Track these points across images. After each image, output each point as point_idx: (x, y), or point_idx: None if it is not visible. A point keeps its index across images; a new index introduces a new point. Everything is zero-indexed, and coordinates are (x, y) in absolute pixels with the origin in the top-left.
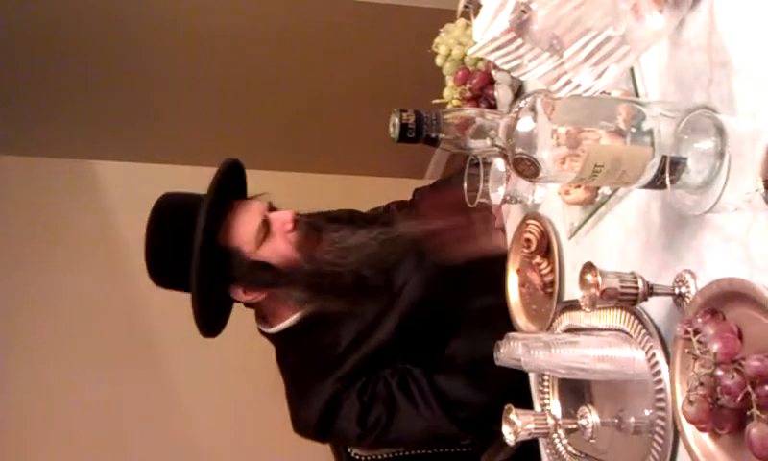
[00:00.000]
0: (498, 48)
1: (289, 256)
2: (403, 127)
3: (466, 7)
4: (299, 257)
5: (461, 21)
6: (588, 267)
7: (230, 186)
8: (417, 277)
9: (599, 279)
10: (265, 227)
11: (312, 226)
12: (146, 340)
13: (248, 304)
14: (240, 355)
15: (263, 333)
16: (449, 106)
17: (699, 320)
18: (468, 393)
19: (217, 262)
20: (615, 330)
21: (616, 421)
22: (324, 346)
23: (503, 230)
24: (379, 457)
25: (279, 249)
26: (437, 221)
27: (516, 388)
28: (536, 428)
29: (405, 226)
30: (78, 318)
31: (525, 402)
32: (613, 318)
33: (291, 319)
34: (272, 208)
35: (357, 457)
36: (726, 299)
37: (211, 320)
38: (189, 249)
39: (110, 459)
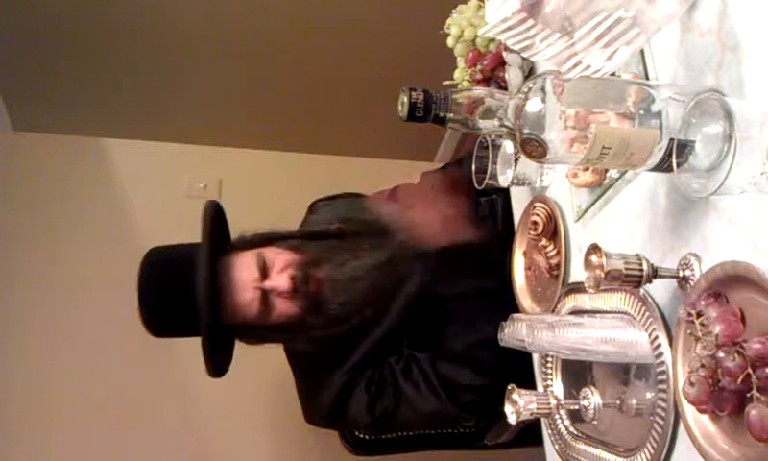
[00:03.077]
0: (509, 28)
1: (292, 314)
2: (412, 105)
3: None
4: (304, 312)
5: (473, 2)
6: (593, 248)
7: (220, 234)
8: (416, 268)
9: (604, 260)
10: (264, 298)
11: (308, 272)
12: None
13: None
14: (250, 348)
15: None
16: (460, 87)
17: (702, 302)
18: (468, 377)
19: (223, 332)
20: (620, 313)
21: (618, 402)
22: (332, 337)
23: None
24: (382, 438)
25: (282, 311)
26: (417, 209)
27: (517, 369)
28: (538, 408)
29: (400, 224)
30: (84, 295)
31: (527, 384)
32: (618, 300)
33: None
34: (256, 245)
35: (361, 436)
36: (730, 282)
37: (224, 362)
38: (194, 316)
39: (117, 452)
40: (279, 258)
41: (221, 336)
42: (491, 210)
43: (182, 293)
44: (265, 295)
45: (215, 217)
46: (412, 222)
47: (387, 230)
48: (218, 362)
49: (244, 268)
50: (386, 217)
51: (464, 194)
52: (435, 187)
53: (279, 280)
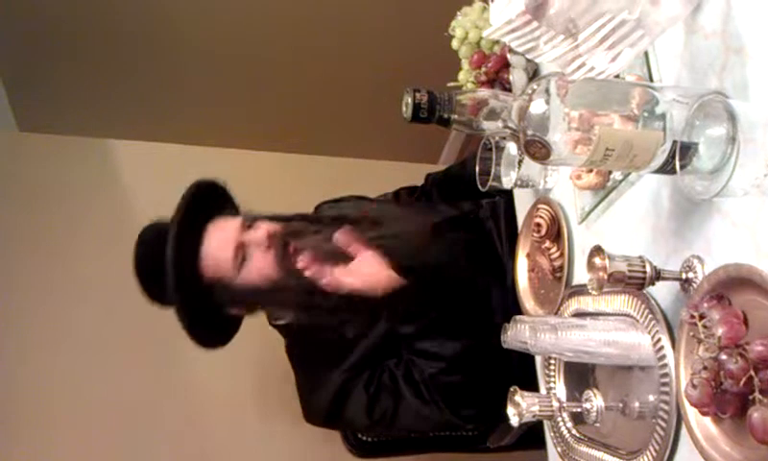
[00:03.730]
0: (514, 30)
1: (270, 274)
2: (416, 106)
3: None
4: (280, 274)
5: (478, 4)
6: (597, 250)
7: (202, 207)
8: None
9: (607, 262)
10: (240, 250)
11: (290, 236)
12: (160, 320)
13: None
14: (252, 347)
15: (273, 325)
16: (464, 89)
17: (705, 305)
18: (467, 389)
19: (199, 293)
20: (623, 315)
21: (621, 405)
22: (331, 337)
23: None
24: (384, 440)
25: (259, 269)
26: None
27: (520, 373)
28: (540, 410)
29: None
30: (87, 295)
31: (530, 386)
32: (621, 303)
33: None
34: (250, 220)
35: (363, 438)
36: (732, 284)
37: (211, 335)
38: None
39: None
40: (265, 224)
41: (199, 299)
42: (493, 212)
43: (160, 257)
44: (243, 248)
45: (202, 188)
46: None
47: (381, 223)
48: (202, 329)
49: (226, 225)
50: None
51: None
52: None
53: (258, 233)
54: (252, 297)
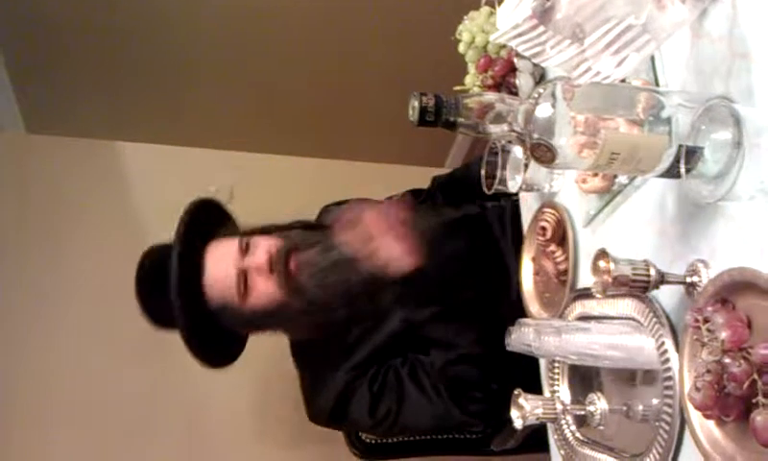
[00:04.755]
0: (520, 35)
1: (275, 296)
2: (422, 110)
3: None
4: (284, 295)
5: (485, 9)
6: (601, 254)
7: (200, 230)
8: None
9: (611, 265)
10: (242, 277)
11: (290, 251)
12: None
13: None
14: (257, 348)
15: None
16: (471, 92)
17: (709, 308)
18: (475, 382)
19: (205, 319)
20: (627, 319)
21: (624, 408)
22: (336, 337)
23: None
24: (389, 441)
25: (263, 292)
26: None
27: (525, 376)
28: (544, 413)
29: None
30: (93, 298)
31: (535, 391)
32: (625, 306)
33: None
34: (246, 241)
35: (367, 440)
36: (737, 288)
37: (218, 356)
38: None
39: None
40: (262, 242)
41: (203, 325)
42: (498, 216)
43: (162, 283)
44: (245, 275)
45: (198, 209)
46: (371, 252)
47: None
48: (207, 352)
49: (225, 251)
50: (347, 249)
51: (425, 212)
52: (391, 212)
53: (257, 257)
54: (260, 320)
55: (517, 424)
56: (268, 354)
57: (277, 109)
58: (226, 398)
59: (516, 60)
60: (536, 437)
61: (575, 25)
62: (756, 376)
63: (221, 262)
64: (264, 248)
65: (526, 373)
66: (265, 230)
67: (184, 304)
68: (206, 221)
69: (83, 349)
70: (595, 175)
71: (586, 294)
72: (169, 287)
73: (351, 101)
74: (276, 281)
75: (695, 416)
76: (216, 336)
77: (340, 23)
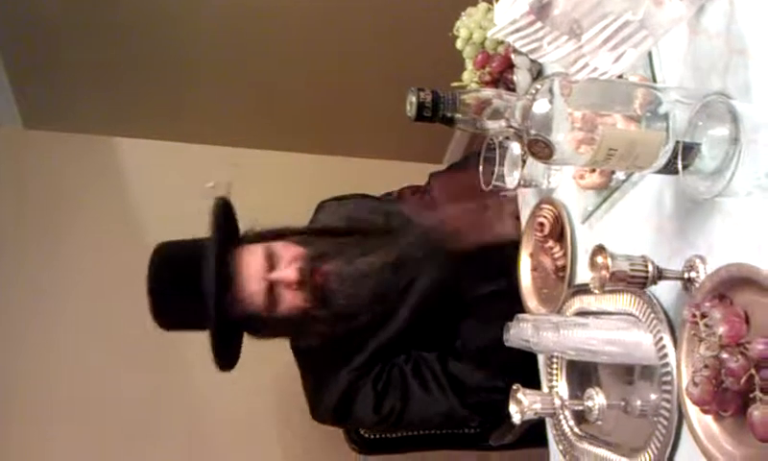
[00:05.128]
0: (518, 31)
1: (299, 307)
2: (420, 105)
3: None
4: (311, 306)
5: (482, 5)
6: (599, 249)
7: (230, 231)
8: (428, 267)
9: (609, 261)
10: (271, 290)
11: (316, 261)
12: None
13: None
14: (257, 348)
15: None
16: (468, 88)
17: (707, 304)
18: (480, 378)
19: (231, 323)
20: (625, 314)
21: (622, 403)
22: (339, 336)
23: (517, 216)
24: (387, 437)
25: (289, 303)
26: (450, 207)
27: (527, 372)
28: (542, 408)
29: (418, 222)
30: (92, 294)
31: (537, 386)
32: (623, 302)
33: None
34: (267, 240)
35: (366, 436)
36: (734, 284)
37: (234, 357)
38: (202, 309)
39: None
40: (288, 252)
41: (229, 330)
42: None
43: (191, 286)
44: (272, 287)
45: (225, 212)
46: (445, 221)
47: (393, 230)
48: (226, 356)
49: (252, 260)
50: (410, 215)
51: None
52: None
53: (287, 272)
54: (282, 328)
55: (516, 418)
56: (269, 355)
57: (275, 104)
58: (226, 398)
59: (513, 56)
60: (534, 432)
61: (572, 21)
62: (753, 371)
63: (249, 270)
64: (289, 260)
65: (524, 367)
66: (278, 235)
67: (218, 306)
68: (231, 222)
69: (80, 344)
70: (593, 171)
71: (584, 290)
72: (198, 287)
73: (349, 97)
74: (303, 294)
75: (693, 411)
76: (235, 340)
77: (338, 19)
